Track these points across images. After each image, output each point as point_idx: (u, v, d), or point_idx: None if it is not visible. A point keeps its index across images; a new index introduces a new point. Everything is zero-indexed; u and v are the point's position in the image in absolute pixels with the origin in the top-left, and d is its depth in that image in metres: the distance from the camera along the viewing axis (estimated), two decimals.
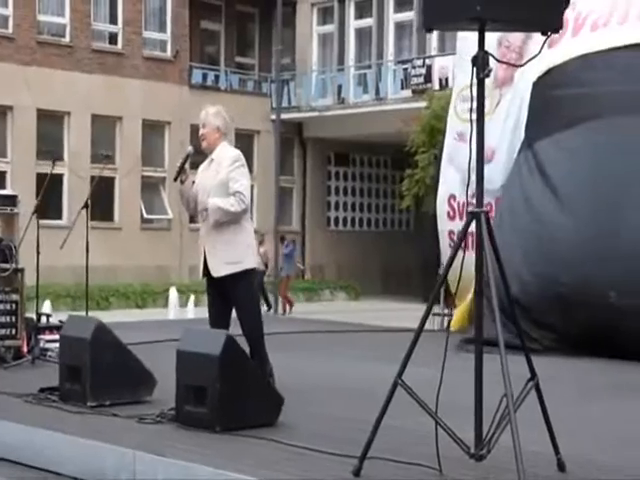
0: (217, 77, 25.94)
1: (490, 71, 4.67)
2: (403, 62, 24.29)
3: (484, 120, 4.77)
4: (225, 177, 6.60)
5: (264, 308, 17.51)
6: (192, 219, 24.86)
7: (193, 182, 6.75)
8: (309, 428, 5.86)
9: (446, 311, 14.17)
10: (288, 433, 5.62)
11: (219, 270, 6.62)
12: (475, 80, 4.68)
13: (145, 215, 23.97)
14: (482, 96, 4.71)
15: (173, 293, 16.75)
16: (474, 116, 4.75)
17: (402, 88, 23.48)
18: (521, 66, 5.31)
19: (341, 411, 6.52)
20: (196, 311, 16.10)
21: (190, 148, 6.84)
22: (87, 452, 5.45)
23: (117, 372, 6.51)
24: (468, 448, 4.58)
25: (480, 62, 4.64)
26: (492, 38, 11.27)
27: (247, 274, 6.66)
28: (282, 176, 23.05)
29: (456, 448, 4.65)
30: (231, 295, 6.66)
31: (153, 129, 24.39)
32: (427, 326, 14.24)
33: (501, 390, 4.44)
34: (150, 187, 24.40)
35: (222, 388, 5.70)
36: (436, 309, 14.31)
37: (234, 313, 6.77)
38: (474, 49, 13.03)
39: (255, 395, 5.86)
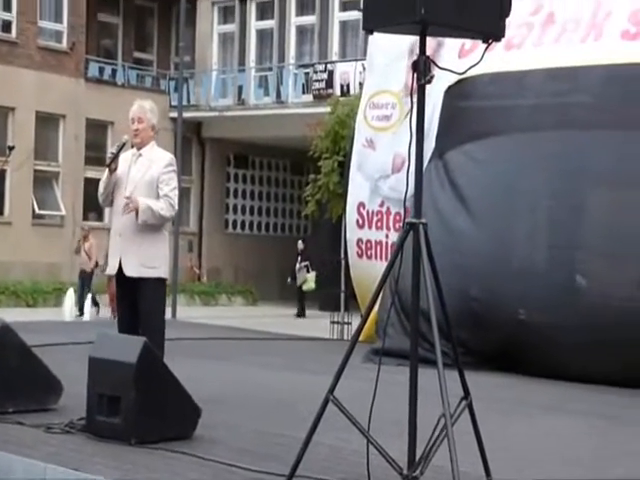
0: (114, 71, 25.39)
1: (432, 77, 4.55)
2: (305, 66, 24.20)
3: (424, 128, 4.65)
4: (156, 177, 6.42)
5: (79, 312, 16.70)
6: (86, 216, 24.35)
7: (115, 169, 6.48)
8: (228, 442, 5.66)
9: (347, 320, 14.13)
10: (206, 447, 5.41)
11: (133, 271, 6.42)
12: (415, 85, 4.54)
13: (37, 210, 23.25)
14: (422, 103, 4.59)
15: (70, 294, 16.23)
16: (414, 123, 4.62)
17: (303, 92, 23.40)
18: (462, 74, 5.18)
19: (260, 424, 6.33)
20: (92, 312, 15.65)
21: (125, 138, 6.52)
22: None
23: (22, 377, 6.18)
24: (401, 469, 4.45)
25: (422, 67, 4.52)
26: (404, 45, 11.36)
27: (159, 282, 6.50)
28: (180, 176, 22.65)
29: (387, 467, 4.52)
30: (138, 299, 6.46)
31: (47, 122, 23.70)
32: (327, 335, 14.22)
33: (424, 407, 4.35)
34: (43, 182, 23.68)
35: (138, 398, 5.44)
36: (335, 317, 14.27)
37: None
38: (384, 55, 13.00)
39: (172, 406, 5.62)
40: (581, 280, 9.55)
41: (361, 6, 15.92)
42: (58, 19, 24.25)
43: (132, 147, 6.62)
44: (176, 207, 6.45)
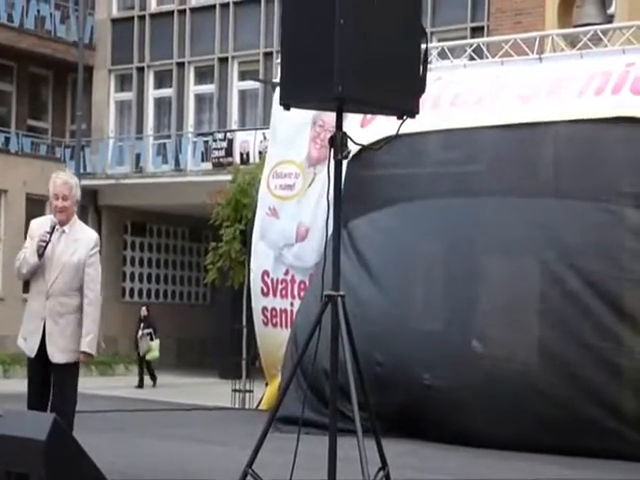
0: (7, 139, 25.00)
1: (349, 153, 4.66)
2: (204, 134, 24.29)
3: (340, 201, 4.73)
4: (83, 260, 6.26)
5: None
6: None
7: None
8: None
9: (247, 387, 14.06)
10: None
11: (61, 357, 6.30)
12: (332, 160, 4.64)
13: None
14: (339, 178, 4.68)
15: None
16: (331, 197, 4.70)
17: (202, 160, 23.46)
18: (378, 149, 5.30)
19: None
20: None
21: (53, 220, 6.31)
22: None
23: None
24: None
25: (338, 143, 4.62)
26: (307, 116, 11.55)
27: (77, 365, 6.41)
28: None
29: None
30: (55, 378, 6.35)
31: None
32: (228, 403, 14.07)
33: (341, 475, 4.36)
34: None
35: (48, 475, 5.29)
36: (237, 385, 14.17)
37: None
38: (288, 126, 13.20)
39: None
40: (477, 344, 9.75)
41: (260, 77, 16.10)
42: None
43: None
44: (99, 291, 6.35)
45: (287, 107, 4.76)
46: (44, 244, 6.18)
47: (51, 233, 6.22)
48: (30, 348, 6.36)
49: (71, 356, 6.30)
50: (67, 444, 5.48)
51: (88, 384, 18.41)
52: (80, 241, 6.31)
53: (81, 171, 23.53)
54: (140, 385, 18.96)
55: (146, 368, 19.11)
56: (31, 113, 26.62)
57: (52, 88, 27.11)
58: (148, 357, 18.68)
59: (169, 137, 25.16)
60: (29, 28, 24.96)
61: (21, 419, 5.68)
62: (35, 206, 22.75)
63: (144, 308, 21.68)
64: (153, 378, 19.09)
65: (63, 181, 6.33)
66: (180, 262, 28.10)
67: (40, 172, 23.87)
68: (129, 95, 26.31)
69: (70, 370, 6.33)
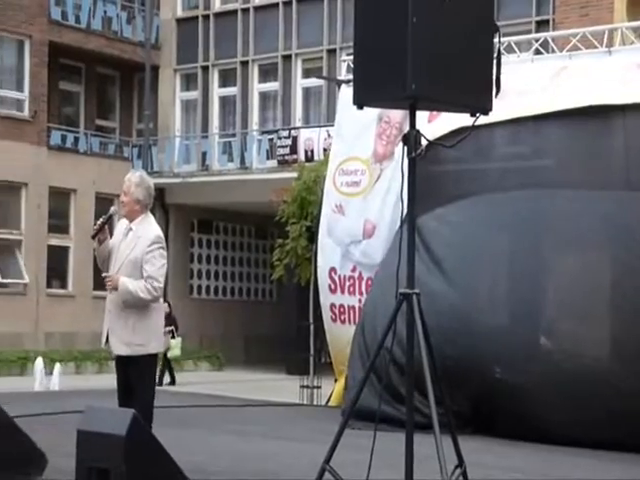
0: (77, 139, 25.44)
1: (422, 151, 4.67)
2: (268, 132, 24.42)
3: (415, 199, 4.75)
4: (140, 257, 6.38)
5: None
6: (50, 284, 24.21)
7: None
8: None
9: (315, 383, 14.12)
10: None
11: (118, 349, 6.46)
12: (406, 159, 4.66)
13: (0, 279, 23.05)
14: (413, 175, 4.71)
15: (39, 363, 16.05)
16: (405, 194, 4.73)
17: (267, 158, 23.59)
18: (452, 146, 5.31)
19: None
20: (62, 381, 15.42)
21: (113, 209, 6.66)
22: None
23: (5, 450, 6.10)
24: None
25: (412, 141, 4.64)
26: (373, 113, 11.57)
27: (146, 359, 6.47)
28: None
29: None
30: (129, 374, 6.49)
31: (9, 190, 23.60)
32: (296, 399, 14.13)
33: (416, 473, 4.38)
34: (5, 250, 23.50)
35: (128, 469, 5.40)
36: (304, 381, 14.25)
37: None
38: (353, 123, 13.21)
39: (162, 477, 5.58)
40: (545, 342, 9.68)
41: (323, 74, 16.17)
42: (19, 88, 24.31)
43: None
44: (159, 287, 6.35)
45: (360, 106, 4.79)
46: (96, 229, 6.43)
47: (105, 222, 6.45)
48: (102, 341, 6.56)
49: (134, 349, 6.39)
50: (146, 440, 5.58)
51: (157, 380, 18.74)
52: (141, 238, 6.43)
53: (148, 170, 23.89)
54: (172, 382, 18.78)
55: (166, 366, 18.81)
56: (99, 113, 27.04)
57: (119, 88, 27.51)
58: (169, 355, 18.40)
59: (234, 135, 25.35)
60: (96, 29, 25.37)
61: (101, 415, 5.81)
62: (104, 204, 23.12)
63: (165, 305, 21.64)
64: (172, 377, 18.86)
65: (126, 178, 6.58)
66: (247, 259, 28.31)
67: (108, 171, 24.27)
68: (194, 94, 26.56)
69: (137, 364, 6.42)
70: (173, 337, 18.72)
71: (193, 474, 6.04)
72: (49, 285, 24.08)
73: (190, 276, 26.84)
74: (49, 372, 16.07)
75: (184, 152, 25.46)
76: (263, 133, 24.62)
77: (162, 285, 6.41)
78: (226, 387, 17.24)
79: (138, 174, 6.72)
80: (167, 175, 25.33)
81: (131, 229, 6.52)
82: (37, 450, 6.33)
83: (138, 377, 6.47)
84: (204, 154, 25.11)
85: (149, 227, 6.53)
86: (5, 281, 23.16)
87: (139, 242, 6.42)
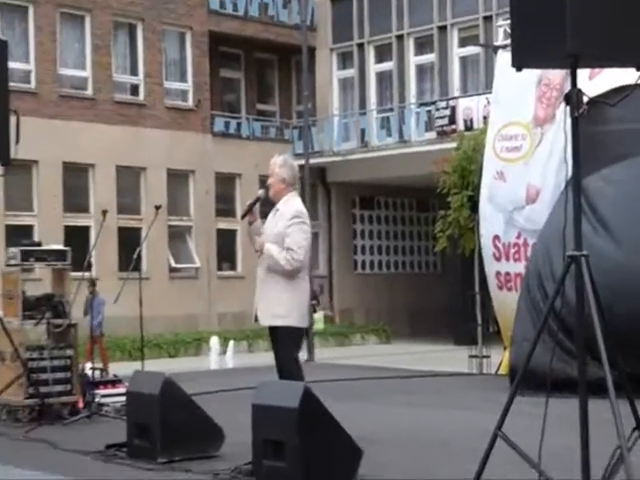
0: (239, 125, 26.05)
1: (585, 110, 4.54)
2: (426, 104, 24.30)
3: (580, 160, 4.64)
4: (282, 231, 6.60)
5: None
6: (220, 267, 24.98)
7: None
8: None
9: (484, 353, 14.01)
10: None
11: (263, 319, 6.70)
12: (569, 119, 4.54)
13: (172, 264, 23.91)
14: (577, 136, 4.59)
15: (214, 342, 16.63)
16: (569, 156, 4.61)
17: (426, 130, 23.49)
18: (613, 105, 5.15)
19: (421, 463, 6.33)
20: (236, 359, 15.93)
21: (261, 191, 6.86)
22: None
23: (186, 427, 6.36)
24: None
25: (574, 100, 4.52)
26: (532, 76, 11.32)
27: (289, 331, 6.62)
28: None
29: None
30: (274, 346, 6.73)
31: (177, 178, 24.41)
32: (464, 369, 14.00)
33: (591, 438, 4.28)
34: (176, 236, 24.36)
35: (302, 442, 5.53)
36: (472, 351, 14.15)
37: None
38: (512, 87, 12.89)
39: (335, 448, 5.69)
40: None
41: (480, 41, 15.87)
42: (183, 79, 25.06)
43: None
44: (298, 260, 6.52)
45: (519, 68, 4.69)
46: (245, 210, 6.77)
47: (253, 204, 6.74)
48: (253, 318, 6.78)
49: (277, 320, 6.58)
50: (318, 412, 5.70)
51: (326, 354, 19.03)
52: (283, 215, 6.66)
53: (309, 150, 24.20)
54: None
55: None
56: (259, 97, 27.57)
57: (277, 71, 27.96)
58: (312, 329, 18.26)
59: (392, 110, 25.34)
60: (253, 15, 25.86)
61: (274, 389, 5.98)
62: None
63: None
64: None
65: (272, 162, 6.82)
66: (409, 232, 28.33)
67: (270, 154, 24.62)
68: (351, 72, 26.69)
69: (279, 335, 6.62)
70: (315, 311, 18.73)
71: (364, 445, 6.13)
72: (219, 268, 24.81)
73: (354, 252, 27.08)
74: (223, 351, 16.60)
75: (343, 130, 25.66)
76: (421, 105, 24.51)
77: (302, 258, 6.56)
78: (394, 359, 17.34)
79: (282, 156, 6.93)
80: (327, 154, 25.59)
81: (277, 209, 6.75)
82: (215, 426, 6.56)
83: (279, 348, 6.68)
84: (363, 131, 25.23)
85: (292, 204, 6.72)
86: (178, 266, 24.01)
87: (281, 218, 6.65)
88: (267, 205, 6.88)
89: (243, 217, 6.84)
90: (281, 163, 6.75)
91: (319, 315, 19.04)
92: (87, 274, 9.48)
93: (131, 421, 6.53)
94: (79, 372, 8.43)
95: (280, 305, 6.57)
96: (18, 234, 18.52)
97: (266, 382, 6.11)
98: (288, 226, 6.57)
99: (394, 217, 28.02)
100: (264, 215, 6.84)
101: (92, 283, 12.57)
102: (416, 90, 25.31)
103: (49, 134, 21.61)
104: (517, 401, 4.64)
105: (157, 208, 9.35)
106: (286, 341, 6.63)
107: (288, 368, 6.61)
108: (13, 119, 7.99)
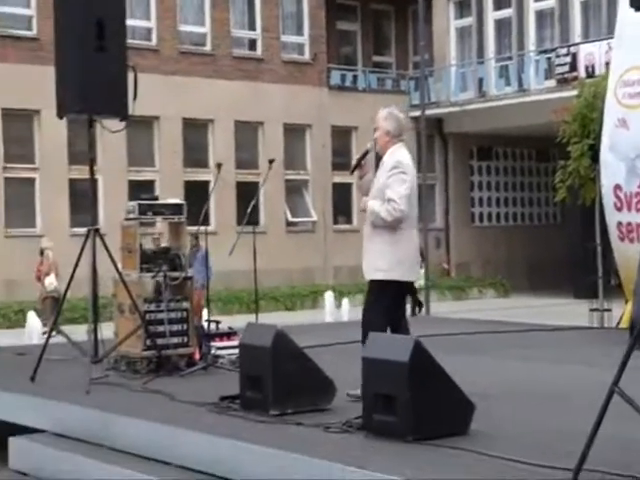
0: (355, 77, 25.92)
1: None
2: (545, 51, 23.70)
3: None
4: (383, 183, 6.60)
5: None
6: (336, 220, 25.06)
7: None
8: (506, 437, 5.60)
9: (605, 306, 13.68)
10: (484, 443, 5.36)
11: (367, 273, 6.74)
12: None
13: (289, 218, 24.10)
14: None
15: (329, 296, 16.75)
16: None
17: (546, 78, 22.95)
18: None
19: (535, 417, 6.23)
20: (351, 313, 16.01)
21: (370, 144, 6.85)
22: (277, 463, 5.34)
23: (298, 380, 6.39)
24: None
25: None
26: None
27: (386, 283, 6.61)
28: (426, 173, 22.79)
29: None
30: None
31: (294, 132, 24.50)
32: (586, 323, 13.66)
33: None
34: (293, 190, 24.52)
35: (412, 396, 5.49)
36: (594, 304, 13.83)
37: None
38: (635, 31, 12.42)
39: (446, 402, 5.63)
40: None
41: None
42: (300, 32, 25.05)
43: None
44: (399, 210, 6.48)
45: (638, 8, 4.48)
46: (354, 165, 6.82)
47: (362, 157, 6.79)
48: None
49: (377, 274, 6.63)
50: (429, 366, 5.65)
51: (442, 308, 18.94)
52: (385, 167, 6.66)
53: (425, 101, 23.92)
54: (412, 313, 18.45)
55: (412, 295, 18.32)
56: (375, 49, 27.36)
57: (394, 22, 27.65)
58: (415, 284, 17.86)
59: (510, 58, 24.80)
60: None
61: (385, 343, 5.94)
62: None
63: None
64: (419, 305, 18.56)
65: (378, 113, 6.79)
66: (528, 183, 27.81)
67: (385, 106, 24.52)
68: (469, 20, 26.19)
69: (373, 287, 6.67)
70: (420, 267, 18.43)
71: (478, 399, 6.06)
72: (335, 221, 24.90)
73: (471, 204, 26.75)
74: (339, 304, 16.68)
75: (460, 80, 25.28)
76: (540, 53, 23.92)
77: (404, 208, 6.50)
78: (512, 313, 17.15)
79: (387, 109, 6.85)
80: (444, 105, 25.28)
81: (383, 162, 6.74)
82: (326, 379, 6.57)
83: (369, 301, 6.72)
84: (480, 80, 24.81)
85: (394, 155, 6.67)
86: (295, 220, 24.19)
87: (383, 171, 6.65)
88: (378, 158, 6.86)
89: (352, 171, 6.85)
90: (385, 116, 6.72)
91: (421, 271, 18.76)
92: (202, 228, 9.59)
93: (244, 373, 6.60)
94: (195, 324, 8.57)
95: (382, 259, 6.58)
96: (140, 189, 18.95)
97: (377, 336, 6.08)
98: (388, 177, 6.57)
99: (512, 168, 27.54)
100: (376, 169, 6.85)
101: (195, 237, 12.78)
102: (535, 37, 24.71)
103: (169, 90, 21.97)
104: (636, 355, 4.49)
105: (270, 162, 9.39)
106: (378, 295, 6.65)
107: (369, 320, 6.63)
108: (131, 75, 8.09)
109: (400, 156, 6.67)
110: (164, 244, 9.06)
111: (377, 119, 6.74)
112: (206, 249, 8.93)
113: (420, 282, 18.41)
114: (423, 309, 17.58)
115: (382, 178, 6.60)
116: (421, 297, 19.29)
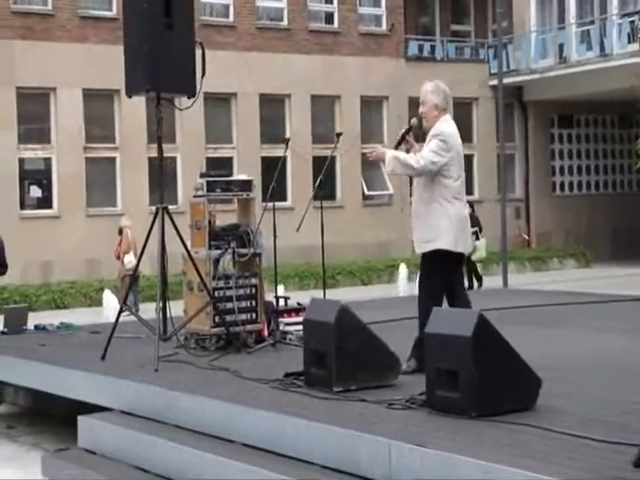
0: (433, 47, 25.58)
1: None
2: (629, 14, 23.07)
3: None
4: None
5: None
6: (412, 193, 24.79)
7: None
8: (573, 412, 5.44)
9: None
10: (549, 418, 5.23)
11: (417, 246, 6.77)
12: None
13: (366, 192, 23.96)
14: None
15: (403, 269, 16.58)
16: None
17: (629, 42, 22.34)
18: None
19: (606, 392, 6.05)
20: None
21: (414, 120, 6.80)
22: (338, 441, 5.29)
23: (362, 356, 6.32)
24: None
25: None
26: None
27: (434, 255, 6.59)
28: (504, 143, 22.40)
29: None
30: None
31: (371, 105, 24.31)
32: None
33: None
34: (370, 164, 24.34)
35: (476, 371, 5.37)
36: None
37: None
38: None
39: (511, 377, 5.50)
40: None
41: None
42: (376, 3, 24.78)
43: None
44: (429, 163, 6.45)
45: None
46: (398, 140, 6.74)
47: (406, 132, 6.70)
48: None
49: (424, 246, 6.64)
50: (494, 340, 5.52)
51: (522, 280, 18.63)
52: (429, 137, 6.63)
53: (504, 69, 23.47)
54: (470, 286, 17.79)
55: (471, 269, 17.66)
56: (454, 18, 26.91)
57: None
58: (473, 257, 17.18)
59: (592, 23, 24.18)
60: None
61: (448, 317, 5.82)
62: (461, 109, 23.13)
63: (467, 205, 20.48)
64: (479, 279, 17.86)
65: (423, 88, 6.72)
66: (610, 151, 27.16)
67: (464, 75, 24.15)
68: None
69: (424, 261, 6.68)
70: (477, 238, 18.00)
71: (548, 372, 5.92)
72: (412, 194, 24.63)
73: (552, 173, 26.25)
74: (414, 278, 16.43)
75: (540, 47, 24.76)
76: (623, 16, 23.28)
77: (431, 166, 6.46)
78: (593, 284, 16.76)
79: (432, 82, 6.75)
80: (524, 72, 24.81)
81: (430, 135, 6.66)
82: (392, 355, 6.48)
83: (421, 273, 6.79)
84: (561, 46, 24.29)
85: (439, 126, 6.62)
86: (371, 193, 24.04)
87: (428, 140, 6.63)
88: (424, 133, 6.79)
89: (396, 147, 6.74)
90: (432, 89, 6.67)
91: (481, 242, 18.18)
92: (269, 204, 9.54)
93: (308, 349, 6.55)
94: (263, 300, 8.56)
95: (426, 231, 6.60)
96: (218, 166, 19.02)
97: (440, 310, 5.98)
98: (427, 143, 6.59)
99: (595, 135, 26.91)
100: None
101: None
102: (619, 0, 23.99)
103: (246, 67, 21.97)
104: None
105: (338, 135, 9.32)
106: (428, 267, 6.65)
107: (424, 290, 6.67)
108: (199, 52, 8.07)
109: (444, 126, 6.64)
110: (233, 221, 9.03)
111: (423, 93, 6.68)
112: (257, 226, 8.72)
113: (481, 254, 17.90)
114: (501, 281, 17.01)
115: (425, 149, 6.59)
116: (494, 269, 18.92)
